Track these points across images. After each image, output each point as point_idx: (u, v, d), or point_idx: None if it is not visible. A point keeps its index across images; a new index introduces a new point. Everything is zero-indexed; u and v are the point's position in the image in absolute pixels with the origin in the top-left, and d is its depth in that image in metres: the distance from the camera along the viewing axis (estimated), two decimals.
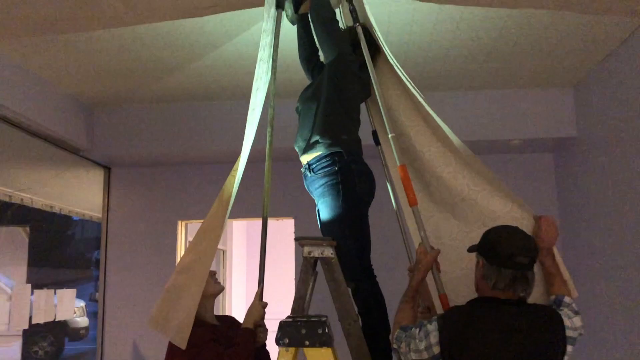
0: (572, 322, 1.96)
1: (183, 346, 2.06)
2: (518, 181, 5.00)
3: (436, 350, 1.87)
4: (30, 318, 4.29)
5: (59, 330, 9.44)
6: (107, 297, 5.17)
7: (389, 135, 2.40)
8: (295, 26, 2.88)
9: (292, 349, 1.90)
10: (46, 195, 4.59)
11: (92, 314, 9.04)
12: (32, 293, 4.30)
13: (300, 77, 3.05)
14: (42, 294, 4.39)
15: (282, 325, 1.95)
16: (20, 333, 8.29)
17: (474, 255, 2.02)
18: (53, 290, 4.53)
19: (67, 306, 4.80)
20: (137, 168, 5.34)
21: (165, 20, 3.24)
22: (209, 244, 2.34)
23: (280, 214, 4.95)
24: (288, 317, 2.07)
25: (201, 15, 3.18)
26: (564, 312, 1.99)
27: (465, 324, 1.85)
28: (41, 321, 4.42)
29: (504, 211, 2.32)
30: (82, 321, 9.98)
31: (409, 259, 2.55)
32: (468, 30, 3.49)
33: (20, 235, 5.14)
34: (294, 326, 1.95)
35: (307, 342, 1.91)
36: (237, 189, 2.47)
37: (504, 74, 4.24)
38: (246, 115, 2.51)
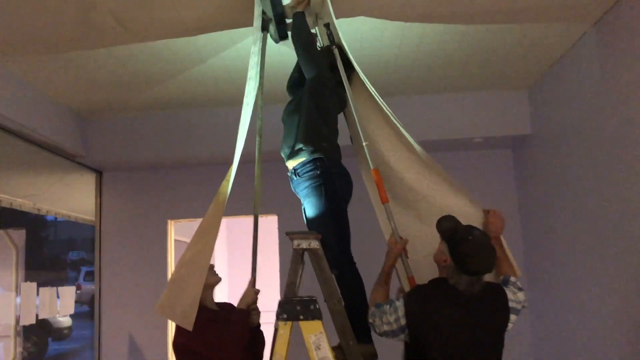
0: (515, 297, 2.40)
1: (190, 328, 2.42)
2: (480, 175, 5.43)
3: (403, 321, 2.29)
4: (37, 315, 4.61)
5: (42, 330, 9.54)
6: (103, 294, 5.48)
7: (363, 144, 2.80)
8: (278, 44, 3.26)
9: (289, 323, 2.27)
10: (43, 200, 4.85)
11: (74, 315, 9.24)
12: (37, 292, 4.60)
13: (284, 88, 3.43)
14: (46, 291, 4.69)
15: (281, 304, 2.32)
16: (9, 334, 8.41)
17: (435, 243, 2.43)
18: (55, 288, 4.84)
19: (68, 302, 5.11)
20: (128, 172, 5.63)
21: (159, 39, 3.56)
22: (208, 241, 2.67)
23: (264, 211, 5.24)
24: (285, 298, 2.45)
25: (190, 35, 3.52)
26: (510, 289, 2.43)
27: (426, 299, 2.28)
28: (46, 316, 4.73)
29: (459, 206, 2.74)
30: (66, 321, 10.11)
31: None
32: (431, 43, 3.87)
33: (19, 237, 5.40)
34: (290, 304, 2.32)
35: (301, 317, 2.28)
36: (229, 192, 2.83)
37: (465, 79, 4.63)
38: (229, 122, 2.89)
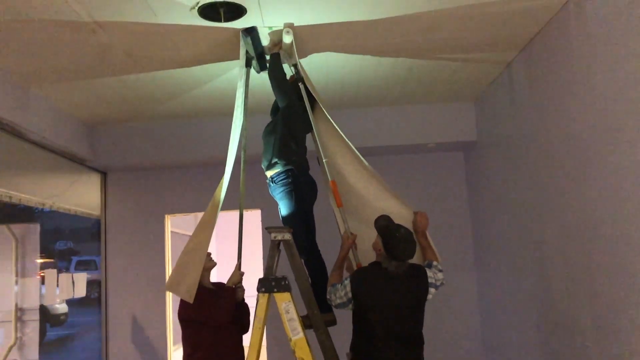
0: (435, 276, 3.21)
1: (191, 301, 3.21)
2: (435, 175, 6.19)
3: (350, 295, 3.10)
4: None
5: (41, 316, 10.09)
6: (108, 278, 6.17)
7: (324, 160, 3.60)
8: (259, 74, 4.01)
9: (266, 294, 3.05)
10: (59, 199, 5.52)
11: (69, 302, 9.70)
12: (57, 277, 5.33)
13: (264, 102, 4.12)
14: (63, 276, 5.42)
15: (260, 281, 3.09)
16: (10, 319, 8.96)
17: (376, 237, 3.21)
18: (71, 275, 5.57)
19: (81, 285, 5.84)
20: (129, 172, 6.28)
21: (162, 70, 4.27)
22: (205, 235, 3.41)
23: (250, 206, 5.75)
24: (263, 277, 3.21)
25: (187, 67, 4.24)
26: (432, 270, 3.24)
27: (365, 277, 3.10)
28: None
29: (396, 208, 3.51)
30: (62, 308, 10.64)
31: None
32: (388, 65, 4.50)
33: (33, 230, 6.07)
34: (267, 281, 3.09)
35: (275, 290, 3.05)
36: (224, 194, 3.59)
37: (420, 93, 5.32)
38: (216, 131, 3.62)
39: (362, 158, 3.65)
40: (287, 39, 3.64)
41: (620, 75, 2.86)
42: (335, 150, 3.69)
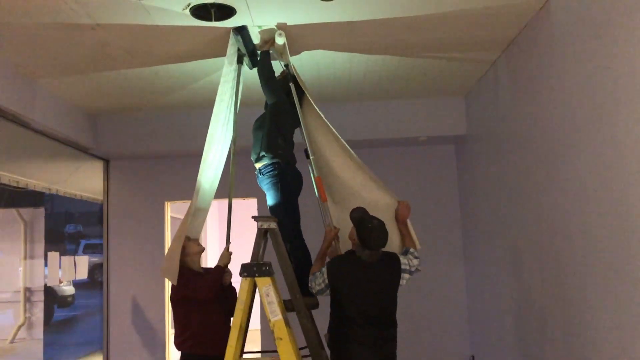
0: (410, 262, 3.40)
1: (175, 282, 3.47)
2: (427, 167, 6.38)
3: (327, 281, 3.31)
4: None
5: (48, 297, 10.39)
6: (110, 262, 6.44)
7: (311, 157, 3.80)
8: (253, 70, 4.19)
9: (249, 279, 3.25)
10: (65, 184, 5.77)
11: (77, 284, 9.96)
12: (60, 260, 5.58)
13: (255, 96, 4.29)
14: (66, 259, 5.68)
15: (243, 266, 3.29)
16: (19, 299, 9.24)
17: (351, 228, 3.41)
18: (73, 257, 5.83)
19: (83, 268, 6.10)
20: (131, 160, 6.51)
21: (160, 64, 4.48)
22: (182, 227, 3.64)
23: (247, 195, 6.10)
24: (247, 263, 3.42)
25: (184, 62, 4.45)
26: (407, 257, 3.44)
27: (340, 265, 3.31)
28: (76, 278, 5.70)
29: (381, 200, 3.72)
30: (69, 290, 10.97)
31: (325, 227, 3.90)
32: (378, 62, 4.68)
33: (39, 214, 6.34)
34: (249, 266, 3.27)
35: (256, 274, 3.25)
36: (217, 184, 3.81)
37: (410, 88, 5.49)
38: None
39: (350, 151, 3.82)
40: (280, 40, 3.82)
41: (595, 72, 3.00)
42: (324, 144, 3.86)
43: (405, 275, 3.37)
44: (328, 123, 3.87)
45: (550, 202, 3.63)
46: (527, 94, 4.01)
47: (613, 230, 2.81)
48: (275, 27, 3.83)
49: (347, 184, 3.83)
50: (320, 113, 3.87)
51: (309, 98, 3.91)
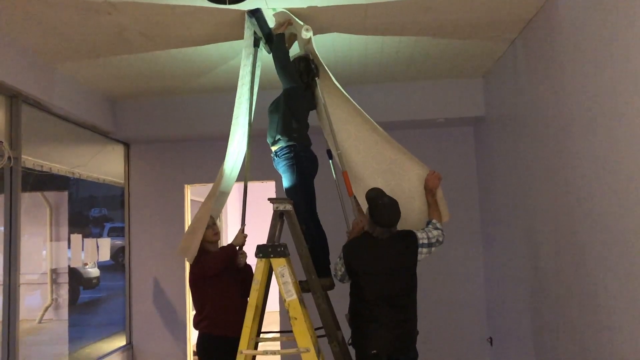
0: (427, 234, 3.37)
1: (191, 261, 3.57)
2: (445, 149, 6.34)
3: (344, 263, 3.35)
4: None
5: (74, 279, 10.63)
6: (132, 244, 6.58)
7: (337, 152, 3.82)
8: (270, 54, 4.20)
9: (264, 259, 3.30)
10: (87, 169, 5.86)
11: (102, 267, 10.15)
12: (82, 243, 5.71)
13: (270, 79, 4.30)
14: (88, 241, 5.81)
15: (259, 247, 3.33)
16: (46, 281, 9.41)
17: (366, 209, 3.42)
18: (95, 240, 5.96)
19: (105, 250, 6.23)
20: (151, 144, 6.60)
21: (177, 47, 4.50)
22: (206, 208, 3.74)
23: (264, 177, 6.13)
24: (263, 244, 3.46)
25: (200, 45, 4.46)
26: (427, 228, 3.42)
27: (353, 245, 3.35)
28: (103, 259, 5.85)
29: (411, 171, 3.69)
30: (94, 272, 11.22)
31: (347, 226, 3.92)
32: (394, 43, 4.67)
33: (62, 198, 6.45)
34: (264, 247, 3.31)
35: (271, 255, 3.29)
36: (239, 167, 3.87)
37: (428, 69, 5.44)
38: (232, 105, 3.85)
39: (377, 125, 3.81)
40: (306, 35, 3.83)
41: (613, 52, 2.94)
42: (350, 120, 3.85)
43: (423, 250, 3.35)
44: (352, 100, 3.86)
45: (568, 185, 3.59)
46: (545, 75, 3.95)
47: (633, 214, 2.77)
48: (288, 11, 3.84)
49: (377, 158, 3.79)
50: (343, 91, 3.86)
51: (332, 78, 3.90)
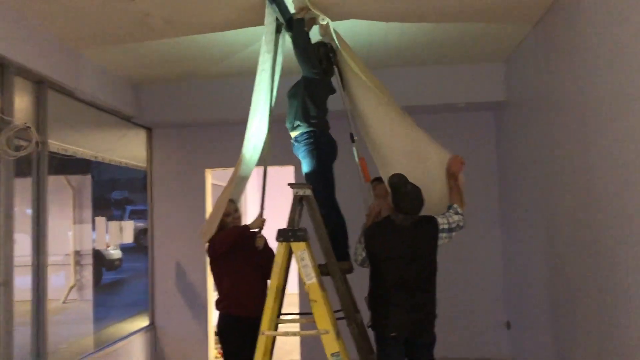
0: (448, 219, 3.39)
1: (205, 240, 3.67)
2: (465, 134, 6.31)
3: (365, 247, 3.40)
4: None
5: (97, 260, 10.86)
6: (155, 227, 6.69)
7: (355, 138, 3.88)
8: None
9: (284, 243, 3.37)
10: (110, 152, 5.97)
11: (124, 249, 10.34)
12: (106, 224, 5.84)
13: (291, 66, 4.31)
14: (112, 224, 5.94)
15: (279, 231, 3.40)
16: (70, 262, 9.64)
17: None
18: (119, 222, 6.09)
19: (128, 232, 6.36)
20: (173, 128, 6.68)
21: (196, 34, 4.56)
22: (225, 193, 3.82)
23: (284, 162, 6.11)
24: (283, 228, 3.52)
25: (221, 31, 4.51)
26: (449, 212, 3.45)
27: (374, 230, 3.40)
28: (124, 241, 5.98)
29: (434, 155, 3.70)
30: (116, 253, 11.43)
31: (365, 208, 3.96)
32: (413, 27, 4.68)
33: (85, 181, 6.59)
34: (285, 232, 3.38)
35: (291, 239, 3.36)
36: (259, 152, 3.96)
37: (448, 54, 5.43)
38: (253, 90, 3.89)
39: (398, 109, 3.83)
40: (322, 22, 3.86)
41: (636, 36, 2.93)
42: (372, 104, 3.86)
43: (444, 235, 3.38)
44: (373, 84, 3.87)
45: (589, 171, 3.58)
46: (568, 59, 3.92)
47: None
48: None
49: (399, 142, 3.80)
50: (362, 76, 3.87)
51: (351, 63, 3.91)
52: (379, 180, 3.89)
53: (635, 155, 2.92)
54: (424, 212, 3.44)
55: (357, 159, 4.01)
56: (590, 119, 3.53)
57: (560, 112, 4.11)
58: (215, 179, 7.07)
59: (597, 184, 3.43)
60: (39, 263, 4.40)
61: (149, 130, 6.73)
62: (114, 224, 6.23)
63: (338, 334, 3.27)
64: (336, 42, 3.95)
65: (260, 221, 3.85)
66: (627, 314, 3.07)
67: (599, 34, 3.36)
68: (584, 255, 3.68)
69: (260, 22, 4.24)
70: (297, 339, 6.50)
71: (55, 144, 4.81)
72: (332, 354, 3.18)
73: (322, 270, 3.62)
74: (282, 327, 3.51)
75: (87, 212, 6.72)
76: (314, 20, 4.12)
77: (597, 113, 3.42)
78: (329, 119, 3.98)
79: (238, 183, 4.03)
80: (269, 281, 3.47)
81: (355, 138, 3.89)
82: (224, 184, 3.94)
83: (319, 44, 4.05)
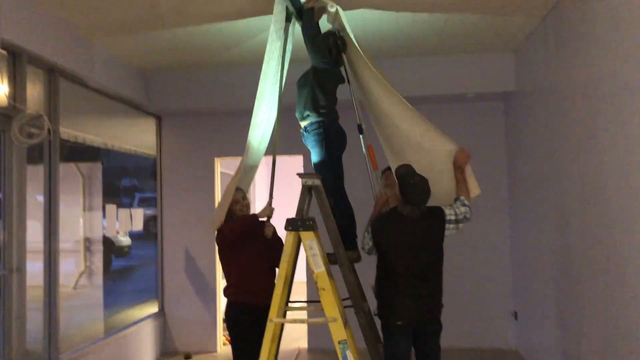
0: (455, 210, 3.41)
1: (214, 229, 3.71)
2: (475, 125, 6.30)
3: (372, 238, 3.42)
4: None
5: (106, 248, 10.94)
6: (164, 214, 6.75)
7: (363, 127, 3.90)
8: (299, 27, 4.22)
9: (293, 232, 3.40)
10: (119, 140, 6.02)
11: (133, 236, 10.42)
12: (117, 212, 5.89)
13: (300, 55, 4.33)
14: (122, 211, 5.99)
15: (288, 220, 3.43)
16: (79, 249, 9.74)
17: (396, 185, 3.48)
18: (129, 210, 6.15)
19: (138, 220, 6.42)
20: (182, 117, 6.71)
21: (207, 22, 4.57)
22: (233, 182, 3.84)
23: (292, 152, 6.17)
24: (292, 218, 3.55)
25: (231, 20, 4.53)
26: (455, 204, 3.46)
27: (382, 221, 3.42)
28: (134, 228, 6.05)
29: (441, 147, 3.68)
30: (126, 240, 11.53)
31: (373, 197, 3.98)
32: (424, 17, 4.65)
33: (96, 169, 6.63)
34: (294, 221, 3.40)
35: (300, 228, 3.38)
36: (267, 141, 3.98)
37: (458, 44, 5.42)
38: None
39: (405, 102, 3.80)
40: (331, 10, 3.85)
41: None
42: (380, 95, 3.86)
43: (450, 226, 3.40)
44: (380, 75, 3.87)
45: (598, 160, 3.58)
46: (577, 51, 3.91)
47: None
48: None
49: (407, 133, 3.80)
50: (372, 67, 3.87)
51: (360, 53, 3.90)
52: (390, 169, 3.91)
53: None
54: (431, 203, 3.46)
55: (364, 149, 4.02)
56: (600, 109, 3.52)
57: (570, 103, 4.10)
58: (224, 167, 7.10)
59: (606, 175, 3.43)
60: (50, 249, 4.46)
61: (158, 118, 6.76)
62: (123, 212, 6.28)
63: (345, 322, 3.30)
64: (347, 28, 3.93)
65: (268, 210, 3.87)
66: (634, 306, 3.08)
67: (609, 25, 3.35)
68: (592, 247, 3.68)
69: (270, 11, 4.21)
70: (304, 327, 6.56)
71: (67, 132, 4.86)
72: (340, 342, 3.22)
73: (330, 259, 3.64)
74: (290, 315, 3.55)
75: (98, 200, 6.77)
76: (323, 10, 4.12)
77: (607, 103, 3.41)
78: (338, 108, 3.98)
79: (247, 172, 4.05)
80: (277, 269, 3.50)
81: (364, 127, 3.89)
82: (233, 172, 3.96)
83: (328, 33, 4.05)
